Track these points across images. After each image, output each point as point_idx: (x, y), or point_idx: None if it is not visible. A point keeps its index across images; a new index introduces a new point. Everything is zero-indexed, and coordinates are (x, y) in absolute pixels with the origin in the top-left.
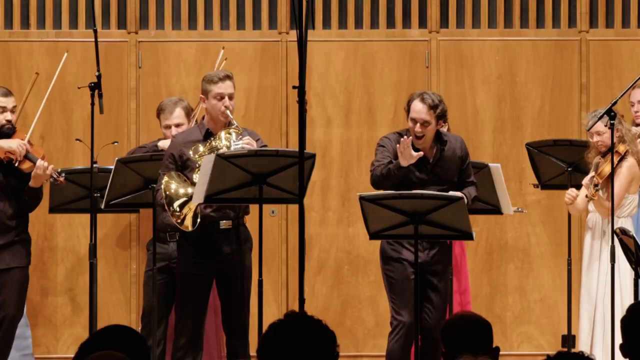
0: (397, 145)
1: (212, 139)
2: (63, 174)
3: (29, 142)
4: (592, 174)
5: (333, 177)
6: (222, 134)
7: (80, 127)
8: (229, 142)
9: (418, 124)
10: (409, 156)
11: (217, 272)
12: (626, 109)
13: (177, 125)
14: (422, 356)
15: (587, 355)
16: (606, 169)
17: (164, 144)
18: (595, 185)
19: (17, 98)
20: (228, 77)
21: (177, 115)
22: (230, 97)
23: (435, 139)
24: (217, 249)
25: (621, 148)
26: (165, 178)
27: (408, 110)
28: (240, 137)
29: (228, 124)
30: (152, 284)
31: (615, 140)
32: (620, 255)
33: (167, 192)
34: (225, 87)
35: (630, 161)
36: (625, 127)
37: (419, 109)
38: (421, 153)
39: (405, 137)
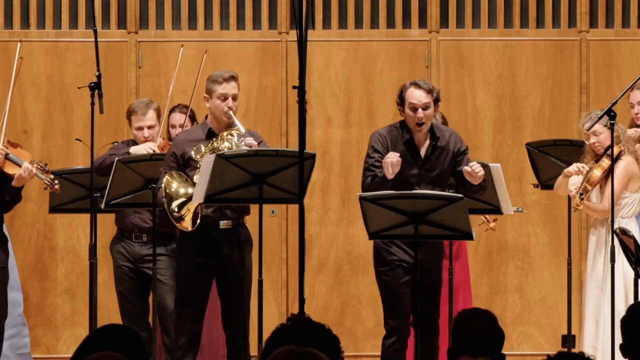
0: (388, 153)
1: (214, 139)
2: (57, 182)
3: (9, 143)
4: (579, 182)
5: (333, 177)
6: (224, 134)
7: (80, 127)
8: (231, 143)
9: (420, 110)
10: (393, 168)
11: (217, 272)
12: (625, 110)
13: (150, 127)
14: (421, 347)
15: (587, 356)
16: (595, 173)
17: (135, 150)
18: (581, 195)
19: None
20: (233, 77)
21: (150, 117)
22: (234, 98)
23: (429, 132)
24: (217, 249)
25: (615, 149)
26: (167, 177)
27: (402, 101)
28: (242, 139)
29: (231, 125)
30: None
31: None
32: (622, 255)
33: (168, 191)
34: (229, 88)
35: (627, 159)
36: (620, 127)
37: (418, 94)
38: (399, 158)
39: (392, 155)
